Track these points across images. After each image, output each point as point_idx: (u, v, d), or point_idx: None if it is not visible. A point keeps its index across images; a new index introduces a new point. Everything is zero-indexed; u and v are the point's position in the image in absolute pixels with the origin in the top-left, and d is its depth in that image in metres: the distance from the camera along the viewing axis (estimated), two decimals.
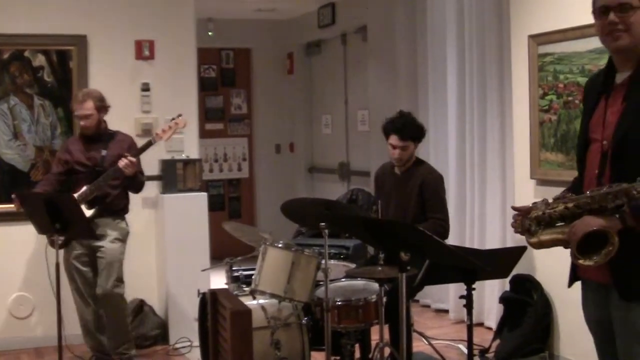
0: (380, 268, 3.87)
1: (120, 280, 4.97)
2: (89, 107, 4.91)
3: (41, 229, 4.64)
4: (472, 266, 3.25)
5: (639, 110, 2.55)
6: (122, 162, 4.81)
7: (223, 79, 9.13)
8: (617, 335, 2.64)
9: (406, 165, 4.66)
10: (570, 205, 2.60)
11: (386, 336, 4.14)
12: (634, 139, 2.54)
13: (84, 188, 4.85)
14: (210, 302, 3.67)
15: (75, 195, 4.75)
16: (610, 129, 2.62)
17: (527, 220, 2.70)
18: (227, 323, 3.16)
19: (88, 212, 4.79)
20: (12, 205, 4.94)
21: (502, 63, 5.57)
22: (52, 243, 4.65)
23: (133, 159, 4.83)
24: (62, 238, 4.47)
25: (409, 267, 3.14)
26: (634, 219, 2.48)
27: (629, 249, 2.51)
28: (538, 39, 4.86)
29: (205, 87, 8.82)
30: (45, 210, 4.34)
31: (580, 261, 2.53)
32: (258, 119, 9.19)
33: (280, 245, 4.15)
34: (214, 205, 8.51)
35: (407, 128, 4.59)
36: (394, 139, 4.58)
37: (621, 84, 2.65)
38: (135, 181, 5.01)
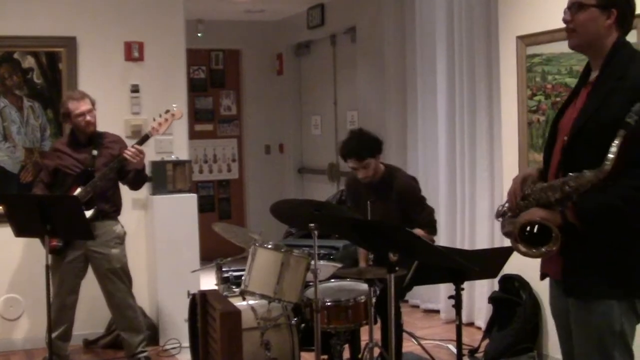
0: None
1: (131, 282, 5.04)
2: (89, 102, 4.90)
3: (28, 232, 4.63)
4: (460, 266, 3.27)
5: (596, 107, 2.59)
6: (128, 152, 4.78)
7: (212, 80, 9.14)
8: (572, 331, 2.71)
9: (376, 177, 4.56)
10: (526, 198, 2.69)
11: (377, 336, 4.16)
12: (586, 135, 2.58)
13: (78, 190, 4.81)
14: (199, 304, 3.68)
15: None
16: (570, 124, 2.68)
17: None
18: (216, 324, 3.18)
19: (87, 213, 4.75)
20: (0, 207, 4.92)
21: (490, 64, 5.60)
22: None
23: (140, 147, 4.81)
24: (59, 244, 4.49)
25: (397, 268, 3.16)
26: (576, 217, 2.53)
27: (577, 246, 2.57)
28: (526, 40, 4.89)
29: (195, 88, 8.82)
30: (38, 213, 4.33)
31: (521, 247, 2.60)
32: (248, 120, 9.20)
33: (269, 246, 4.17)
34: (204, 207, 8.51)
35: (363, 148, 4.45)
36: (352, 162, 4.48)
37: (590, 82, 2.71)
38: (142, 174, 4.99)
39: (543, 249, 2.57)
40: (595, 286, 2.58)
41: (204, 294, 3.63)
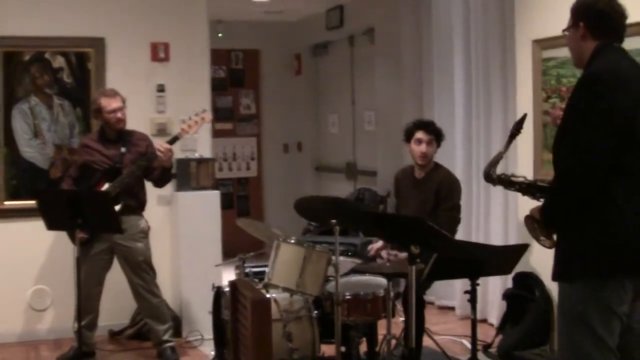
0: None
1: (155, 274, 5.21)
2: (121, 100, 5.06)
3: (59, 225, 4.81)
4: (478, 258, 3.42)
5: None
6: (160, 148, 4.91)
7: (232, 80, 9.29)
8: None
9: (427, 168, 4.82)
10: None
11: (394, 330, 4.30)
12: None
13: (106, 185, 4.96)
14: (230, 293, 3.82)
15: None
16: None
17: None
18: (247, 312, 3.33)
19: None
20: (32, 202, 5.08)
21: (506, 66, 5.72)
22: (72, 239, 4.83)
23: (168, 146, 4.96)
24: (86, 236, 4.67)
25: (418, 260, 3.31)
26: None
27: (558, 237, 2.84)
28: (542, 44, 5.01)
29: (215, 87, 8.93)
30: (68, 207, 4.50)
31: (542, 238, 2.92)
32: (266, 118, 9.36)
33: (292, 241, 4.32)
34: (223, 204, 8.56)
35: (432, 125, 4.86)
36: (420, 134, 4.78)
37: None
38: (168, 172, 5.14)
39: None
40: (557, 269, 2.81)
41: (234, 283, 3.77)
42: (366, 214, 3.79)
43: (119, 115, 5.06)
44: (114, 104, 5.04)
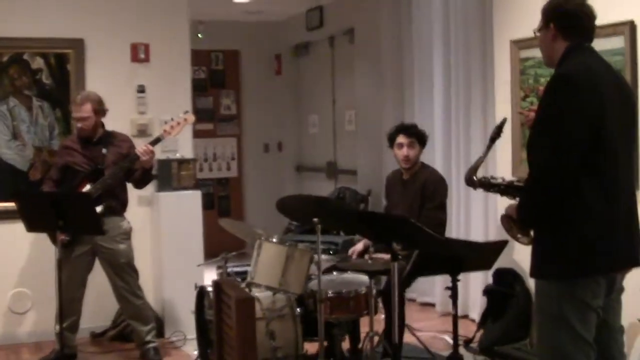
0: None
1: (138, 276, 5.20)
2: (87, 109, 5.01)
3: (39, 227, 4.79)
4: (459, 254, 3.47)
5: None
6: (140, 149, 4.92)
7: (213, 80, 9.29)
8: None
9: (413, 169, 4.90)
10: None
11: (376, 327, 4.33)
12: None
13: (88, 186, 4.95)
14: (214, 292, 3.84)
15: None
16: None
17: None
18: (231, 311, 3.35)
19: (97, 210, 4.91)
20: (12, 204, 5.05)
21: (485, 65, 5.78)
22: (54, 240, 4.82)
23: (151, 147, 4.96)
24: (67, 238, 4.66)
25: (400, 257, 3.35)
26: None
27: (534, 235, 2.89)
28: (520, 44, 5.06)
29: (196, 88, 8.93)
30: (49, 209, 4.49)
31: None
32: (247, 119, 9.37)
33: (275, 240, 4.35)
34: (204, 204, 8.55)
35: (413, 128, 4.95)
36: (401, 138, 4.86)
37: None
38: (149, 173, 5.14)
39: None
40: (534, 266, 2.86)
41: (218, 283, 3.79)
42: (349, 213, 3.82)
43: (79, 125, 5.07)
44: (77, 113, 5.06)
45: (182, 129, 5.18)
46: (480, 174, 3.22)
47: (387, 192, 5.14)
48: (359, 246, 4.96)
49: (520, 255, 5.05)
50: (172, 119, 5.16)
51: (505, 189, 3.09)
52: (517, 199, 2.99)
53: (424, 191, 4.80)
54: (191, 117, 5.24)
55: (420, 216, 4.68)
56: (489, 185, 3.14)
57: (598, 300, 2.78)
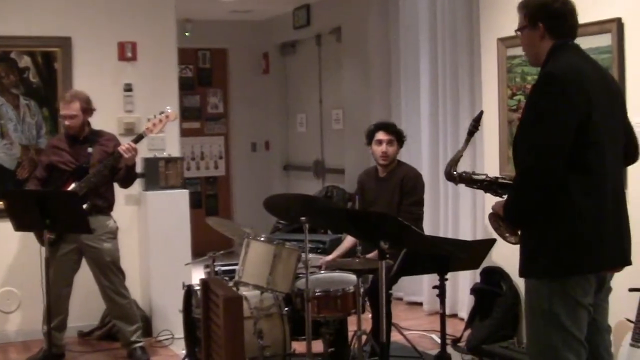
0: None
1: (124, 276, 5.20)
2: (75, 108, 5.01)
3: (27, 226, 4.78)
4: (447, 252, 3.47)
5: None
6: (123, 147, 4.91)
7: (200, 79, 9.28)
8: None
9: (390, 166, 4.90)
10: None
11: (364, 326, 4.35)
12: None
13: (73, 185, 4.95)
14: (202, 291, 3.84)
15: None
16: None
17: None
18: (219, 310, 3.35)
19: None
20: None
21: (472, 64, 5.80)
22: (40, 239, 4.80)
23: (133, 144, 4.95)
24: (52, 236, 4.63)
25: (387, 256, 3.36)
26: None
27: (522, 234, 2.89)
28: (506, 42, 5.09)
29: (183, 86, 8.90)
30: (36, 207, 4.48)
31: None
32: (234, 117, 9.36)
33: (262, 239, 4.35)
34: (191, 203, 8.55)
35: (392, 127, 4.95)
36: (381, 134, 4.86)
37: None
38: (132, 172, 5.12)
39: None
40: (523, 266, 2.87)
41: (205, 282, 3.79)
42: (337, 212, 3.83)
43: (67, 122, 5.07)
44: (64, 110, 5.06)
45: (164, 125, 5.17)
46: (464, 168, 3.22)
47: (360, 190, 5.11)
48: (328, 258, 4.95)
49: (507, 254, 5.07)
50: (154, 116, 5.15)
51: (488, 185, 3.05)
52: (503, 196, 2.99)
53: (403, 187, 4.81)
54: (174, 113, 5.23)
55: (399, 212, 4.70)
56: (470, 180, 3.10)
57: (588, 298, 2.79)
